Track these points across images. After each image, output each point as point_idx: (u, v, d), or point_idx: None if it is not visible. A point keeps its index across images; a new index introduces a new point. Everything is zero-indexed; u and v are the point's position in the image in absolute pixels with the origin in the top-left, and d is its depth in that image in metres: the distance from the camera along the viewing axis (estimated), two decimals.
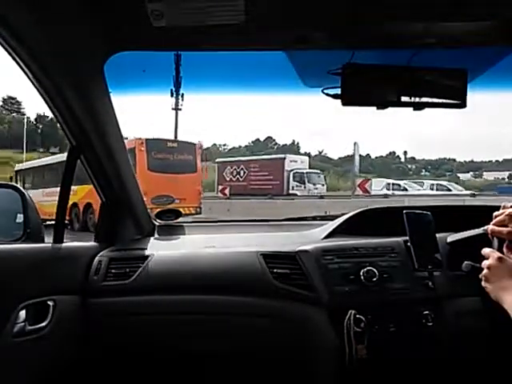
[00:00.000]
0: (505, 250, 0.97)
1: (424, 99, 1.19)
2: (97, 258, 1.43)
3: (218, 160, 23.66)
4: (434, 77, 1.19)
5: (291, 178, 19.73)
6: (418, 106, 1.21)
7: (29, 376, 1.10)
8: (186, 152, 11.67)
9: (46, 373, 1.17)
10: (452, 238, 1.37)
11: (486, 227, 1.03)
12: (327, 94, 1.19)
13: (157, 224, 1.85)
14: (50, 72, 1.09)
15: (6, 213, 1.37)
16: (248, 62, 1.32)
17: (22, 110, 36.79)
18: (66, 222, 1.46)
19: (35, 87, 1.14)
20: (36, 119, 35.91)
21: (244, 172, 20.83)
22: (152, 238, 1.71)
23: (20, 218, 1.32)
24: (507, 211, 0.95)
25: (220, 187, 19.54)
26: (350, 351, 1.20)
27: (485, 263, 0.98)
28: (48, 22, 0.96)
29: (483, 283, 0.99)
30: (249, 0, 0.94)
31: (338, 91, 1.16)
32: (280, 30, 1.09)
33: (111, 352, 1.39)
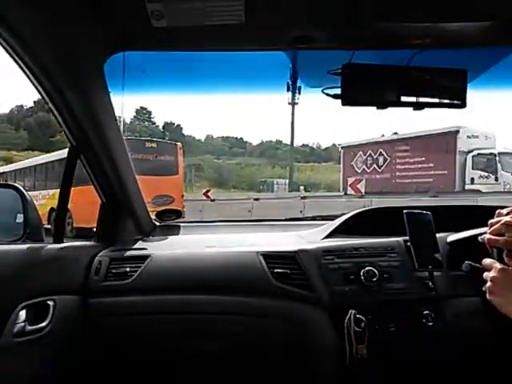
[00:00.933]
0: (505, 258, 0.92)
1: (424, 99, 1.20)
2: (97, 258, 1.43)
3: (343, 144, 16.84)
4: (433, 77, 1.19)
5: (469, 165, 12.05)
6: (418, 106, 1.21)
7: (29, 376, 1.10)
8: (167, 153, 10.91)
9: (46, 373, 1.17)
10: (452, 237, 1.38)
11: (482, 236, 0.97)
12: (327, 94, 1.19)
13: (157, 224, 1.85)
14: (50, 72, 1.09)
15: (5, 213, 1.37)
16: (248, 62, 1.32)
17: (152, 119, 37.51)
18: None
19: (35, 87, 1.14)
20: (163, 126, 36.66)
21: (385, 159, 13.83)
22: (152, 238, 1.71)
23: (20, 217, 1.32)
24: (503, 220, 0.90)
25: (349, 180, 13.18)
26: (351, 351, 1.20)
27: (487, 275, 0.94)
28: (48, 21, 0.96)
29: (488, 296, 0.93)
30: (249, 0, 0.94)
31: (338, 91, 1.16)
32: (280, 30, 1.09)
33: (111, 352, 1.39)
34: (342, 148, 16.47)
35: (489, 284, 0.92)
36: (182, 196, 11.03)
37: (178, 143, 11.61)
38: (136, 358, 1.40)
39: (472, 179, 12.08)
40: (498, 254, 0.94)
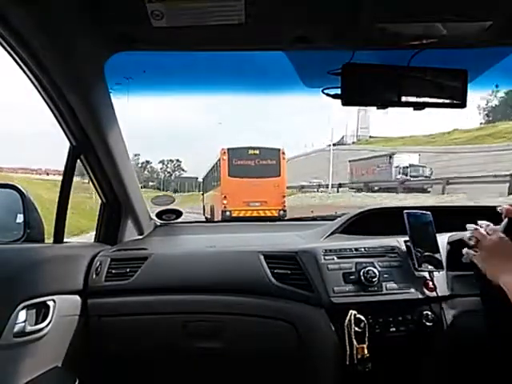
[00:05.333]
0: None
1: (424, 99, 1.20)
2: (97, 258, 1.43)
3: None
4: (434, 77, 1.19)
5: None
6: (418, 106, 1.21)
7: (29, 376, 1.10)
8: (269, 158, 12.16)
9: (46, 373, 1.17)
10: (452, 237, 1.38)
11: (501, 207, 1.02)
12: (327, 94, 1.19)
13: (157, 224, 1.85)
14: (50, 72, 1.09)
15: (5, 213, 1.37)
16: (248, 62, 1.32)
17: None
18: None
19: (35, 87, 1.14)
20: None
21: None
22: (152, 238, 1.71)
23: (20, 218, 1.32)
24: None
25: None
26: (351, 351, 1.20)
27: (481, 243, 1.00)
28: (48, 21, 0.96)
29: (477, 260, 1.00)
30: (249, 0, 0.94)
31: (338, 91, 1.16)
32: (280, 30, 1.09)
33: (111, 352, 1.39)
34: None
35: (483, 253, 0.99)
36: (284, 196, 12.17)
37: (282, 148, 12.59)
38: (136, 357, 1.40)
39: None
40: (507, 226, 1.01)
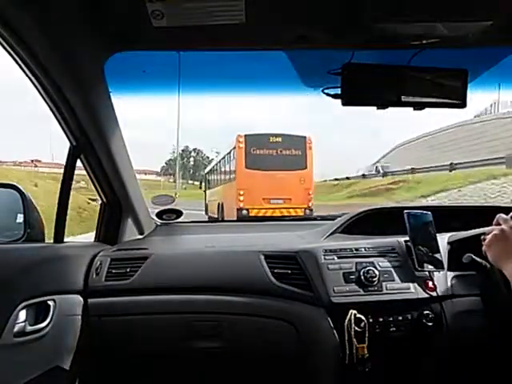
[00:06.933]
0: None
1: (424, 99, 1.20)
2: (97, 258, 1.43)
3: None
4: (434, 77, 1.19)
5: None
6: (418, 106, 1.21)
7: (29, 376, 1.10)
8: (294, 147, 10.22)
9: (46, 373, 1.17)
10: (452, 238, 1.38)
11: None
12: (327, 94, 1.19)
13: (157, 224, 1.85)
14: (50, 72, 1.09)
15: (6, 213, 1.37)
16: (248, 61, 1.32)
17: None
18: None
19: (35, 87, 1.14)
20: None
21: None
22: (152, 238, 1.71)
23: (20, 217, 1.32)
24: None
25: None
26: (351, 351, 1.20)
27: (493, 229, 1.05)
28: (48, 21, 0.96)
29: (486, 249, 1.06)
30: (249, 0, 0.94)
31: (338, 91, 1.16)
32: (280, 30, 1.09)
33: (112, 352, 1.39)
34: None
35: (489, 239, 1.05)
36: (310, 194, 10.27)
37: (308, 135, 10.52)
38: (136, 357, 1.40)
39: None
40: None
